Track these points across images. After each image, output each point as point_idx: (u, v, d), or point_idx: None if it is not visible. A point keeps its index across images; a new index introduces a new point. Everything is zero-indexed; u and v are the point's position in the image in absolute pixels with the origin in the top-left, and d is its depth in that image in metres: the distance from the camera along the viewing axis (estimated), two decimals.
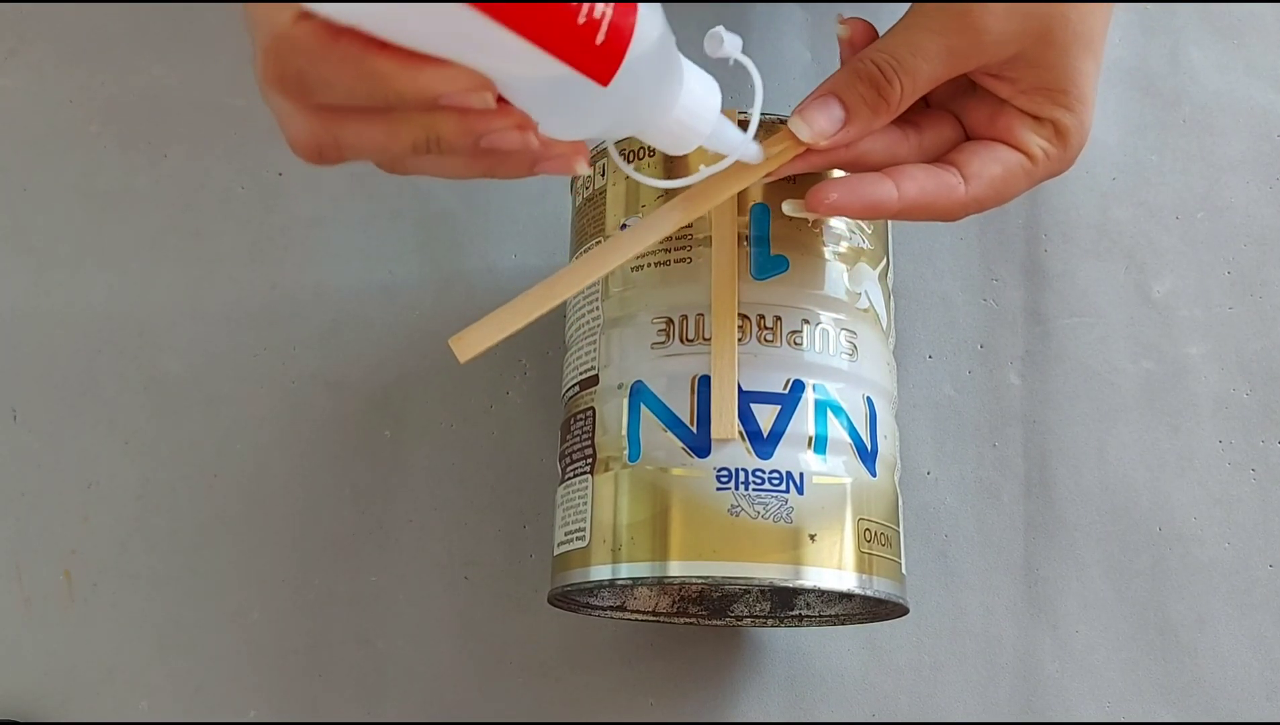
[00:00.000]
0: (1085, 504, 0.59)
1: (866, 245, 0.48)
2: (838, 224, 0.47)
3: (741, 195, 0.45)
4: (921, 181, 0.41)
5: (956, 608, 0.57)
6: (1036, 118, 0.42)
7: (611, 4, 0.30)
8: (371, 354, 0.60)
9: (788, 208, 0.43)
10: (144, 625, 0.57)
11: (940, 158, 0.43)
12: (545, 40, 0.29)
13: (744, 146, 0.38)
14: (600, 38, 0.30)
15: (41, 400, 0.60)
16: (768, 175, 0.41)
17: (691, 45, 0.67)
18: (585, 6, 0.29)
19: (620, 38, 0.30)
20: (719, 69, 0.37)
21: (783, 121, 0.42)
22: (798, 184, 0.46)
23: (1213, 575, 0.58)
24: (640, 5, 0.31)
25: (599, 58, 0.30)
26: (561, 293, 0.39)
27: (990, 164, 0.42)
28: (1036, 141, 0.42)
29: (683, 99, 0.35)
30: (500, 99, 0.32)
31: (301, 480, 0.58)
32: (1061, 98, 0.41)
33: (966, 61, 0.40)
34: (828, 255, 0.46)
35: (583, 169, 0.35)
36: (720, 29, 0.36)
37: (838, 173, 0.47)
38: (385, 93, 0.31)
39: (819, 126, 0.40)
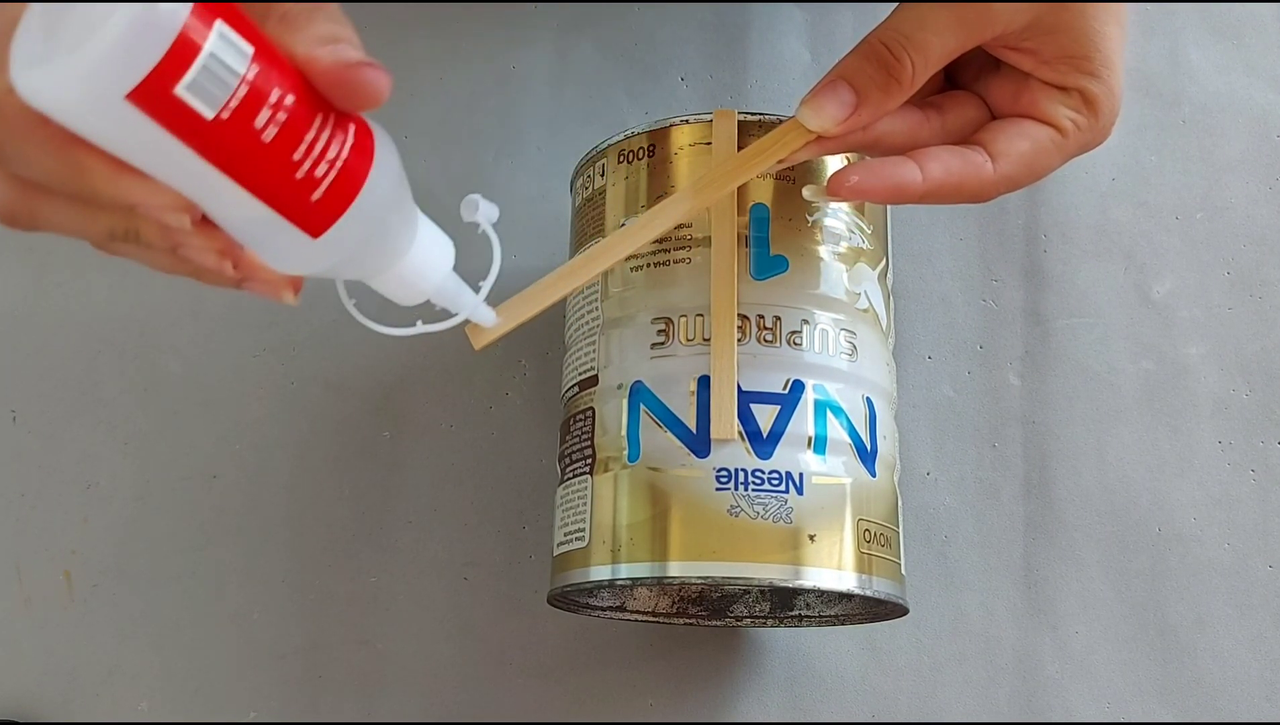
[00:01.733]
0: (1085, 505, 0.59)
1: (866, 245, 0.48)
2: (836, 224, 0.47)
3: (741, 195, 0.45)
4: (946, 162, 0.40)
5: (956, 608, 0.57)
6: (1062, 88, 0.40)
7: (339, 165, 0.29)
8: (371, 354, 0.60)
9: (808, 192, 0.42)
10: (144, 625, 0.57)
11: (966, 139, 0.41)
12: (257, 188, 0.28)
13: (475, 309, 0.36)
14: (318, 195, 0.29)
15: (41, 401, 0.60)
16: (780, 161, 0.41)
17: (688, 45, 0.67)
18: (306, 163, 0.28)
19: (340, 198, 0.29)
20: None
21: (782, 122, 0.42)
22: (796, 184, 0.46)
23: (1212, 576, 0.58)
24: (375, 162, 0.30)
25: (313, 212, 0.29)
26: (576, 280, 0.39)
27: (1018, 140, 0.40)
28: (1064, 113, 0.40)
29: (411, 254, 0.33)
30: (208, 219, 0.30)
31: (301, 481, 0.58)
32: (1085, 64, 0.40)
33: (979, 31, 0.39)
34: (827, 255, 0.46)
35: (289, 300, 0.34)
36: (478, 197, 0.35)
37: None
38: (82, 187, 0.29)
39: (828, 113, 0.39)
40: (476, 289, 0.35)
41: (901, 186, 0.39)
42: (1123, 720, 0.56)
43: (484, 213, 0.35)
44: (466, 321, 0.37)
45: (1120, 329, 0.61)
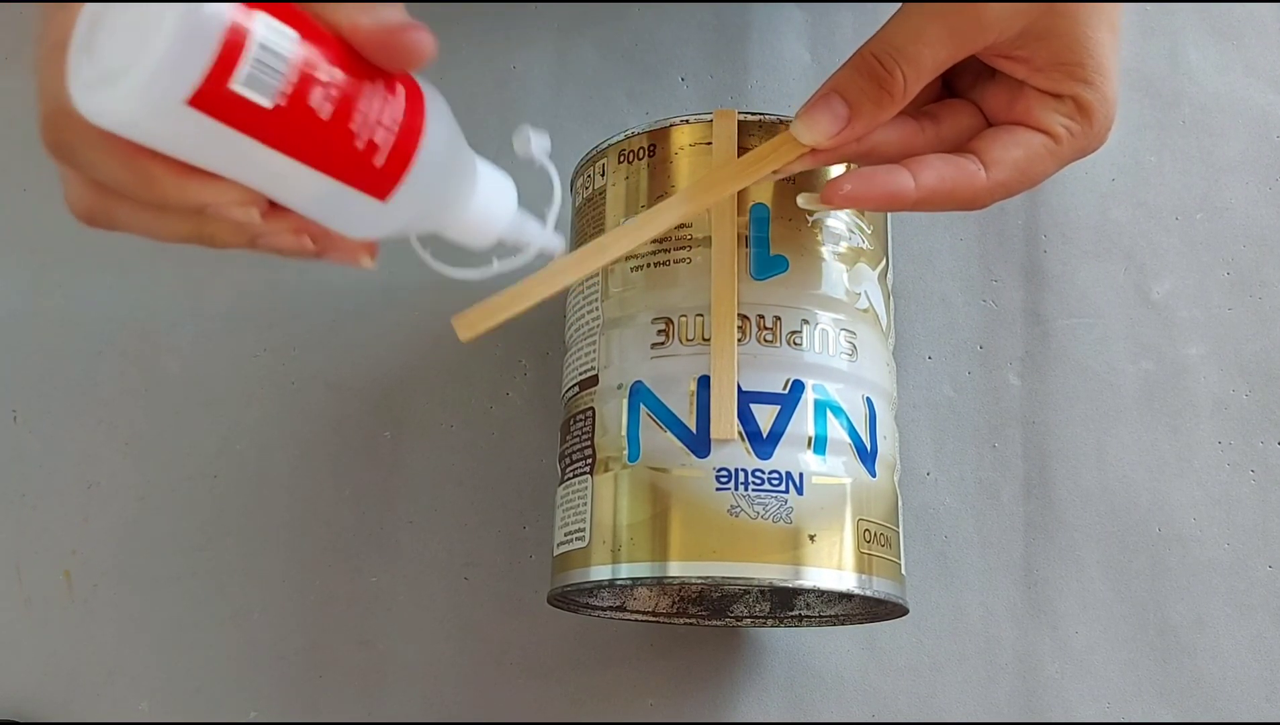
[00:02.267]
0: (1084, 505, 0.59)
1: (866, 246, 0.48)
2: (837, 224, 0.47)
3: (741, 195, 0.45)
4: (940, 170, 0.40)
5: (956, 608, 0.57)
6: (1056, 95, 0.40)
7: (396, 127, 0.30)
8: (371, 355, 0.61)
9: (802, 201, 0.43)
10: (144, 626, 0.57)
11: (961, 147, 0.42)
12: (322, 165, 0.29)
13: (546, 238, 0.37)
14: (380, 159, 0.30)
15: (42, 401, 0.60)
16: (775, 171, 0.41)
17: (689, 45, 0.67)
18: (365, 134, 0.29)
19: (402, 158, 0.30)
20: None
21: (786, 122, 0.42)
22: (796, 185, 0.46)
23: (1212, 576, 0.58)
24: (428, 117, 0.31)
25: (379, 177, 0.30)
26: (565, 278, 0.39)
27: (1011, 148, 0.41)
28: (1058, 120, 0.40)
29: (477, 198, 0.34)
30: (276, 205, 0.32)
31: (302, 481, 0.59)
32: (1078, 71, 0.40)
33: (971, 41, 0.39)
34: (827, 255, 0.46)
35: (367, 265, 0.35)
36: (527, 127, 0.35)
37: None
38: (151, 194, 0.31)
39: (821, 127, 0.39)
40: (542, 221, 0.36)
41: (895, 194, 0.39)
42: (1122, 720, 0.56)
43: (537, 145, 0.36)
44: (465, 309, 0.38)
45: (1120, 329, 0.61)
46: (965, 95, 0.43)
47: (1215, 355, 0.61)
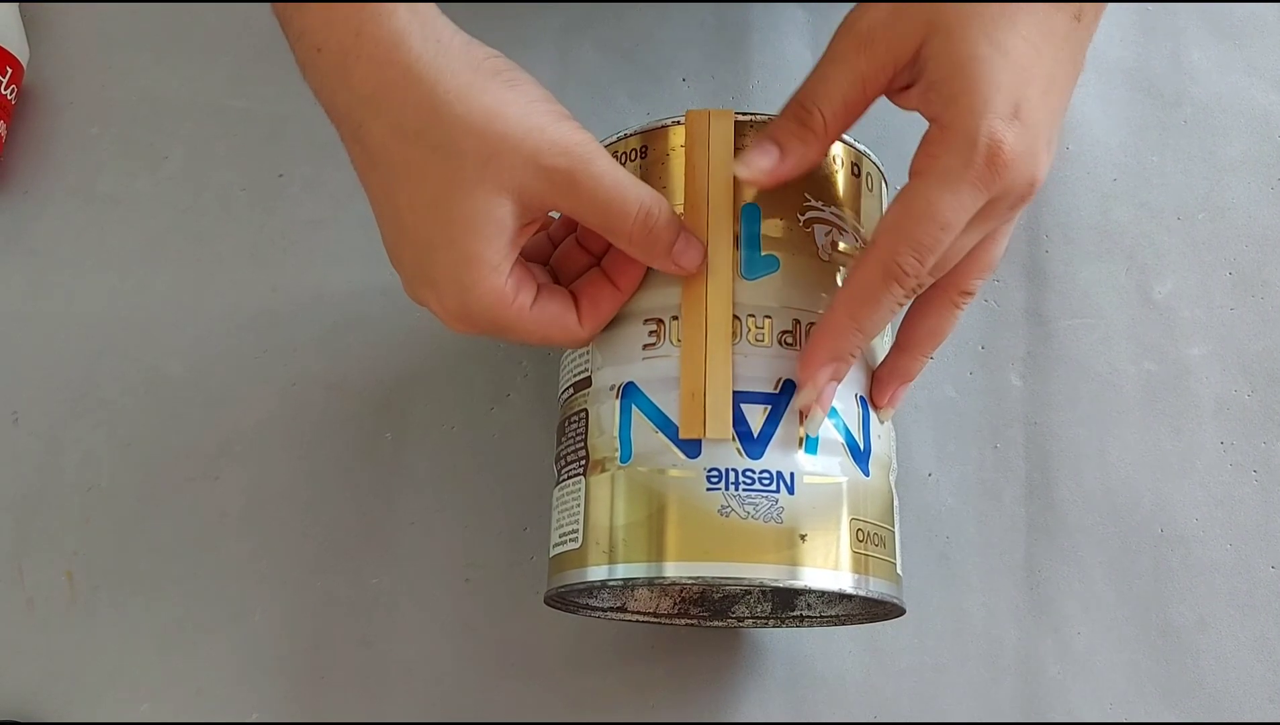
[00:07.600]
0: (1087, 505, 0.58)
1: (860, 245, 0.47)
2: (830, 224, 0.47)
3: (735, 195, 0.45)
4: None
5: (958, 609, 0.57)
6: (931, 120, 0.39)
7: None
8: (372, 356, 0.60)
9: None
10: (145, 627, 0.57)
11: None
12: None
13: None
14: None
15: (43, 403, 0.60)
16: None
17: (690, 46, 0.67)
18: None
19: None
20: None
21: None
22: (788, 185, 0.46)
23: (1214, 577, 0.58)
24: None
25: None
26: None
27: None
28: (926, 147, 0.39)
29: None
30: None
31: (303, 482, 0.58)
32: (944, 87, 0.39)
33: (866, 66, 0.40)
34: (820, 255, 0.46)
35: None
36: None
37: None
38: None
39: (757, 165, 0.42)
40: None
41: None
42: (1125, 721, 0.56)
43: None
44: None
45: (1122, 330, 0.61)
46: None
47: (1218, 355, 0.61)
